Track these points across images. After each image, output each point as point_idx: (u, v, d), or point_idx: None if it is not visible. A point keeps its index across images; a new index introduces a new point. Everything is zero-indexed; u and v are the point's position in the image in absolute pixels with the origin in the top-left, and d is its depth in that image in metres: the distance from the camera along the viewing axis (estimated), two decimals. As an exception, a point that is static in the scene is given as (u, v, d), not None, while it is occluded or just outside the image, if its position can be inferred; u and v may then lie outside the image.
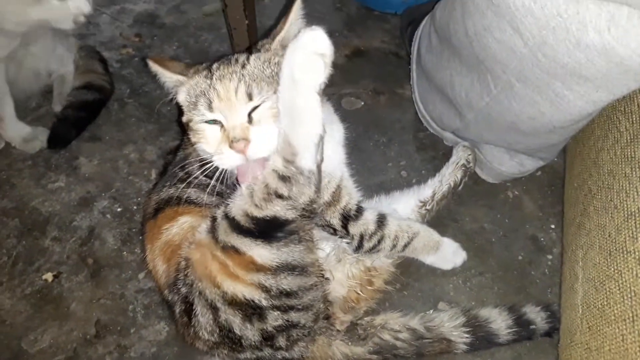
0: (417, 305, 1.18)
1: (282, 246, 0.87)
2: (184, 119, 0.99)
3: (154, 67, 0.99)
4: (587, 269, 0.92)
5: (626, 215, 0.84)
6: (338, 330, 1.04)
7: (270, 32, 0.98)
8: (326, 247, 1.06)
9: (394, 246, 1.10)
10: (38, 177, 1.49)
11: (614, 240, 0.85)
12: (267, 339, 0.91)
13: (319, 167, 0.89)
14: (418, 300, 1.19)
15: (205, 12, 2.06)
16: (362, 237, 1.05)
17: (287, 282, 0.88)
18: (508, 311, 1.09)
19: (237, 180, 0.93)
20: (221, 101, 0.91)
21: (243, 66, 0.93)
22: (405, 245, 1.11)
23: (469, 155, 1.35)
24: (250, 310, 0.88)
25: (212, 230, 0.89)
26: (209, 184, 0.95)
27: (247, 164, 0.90)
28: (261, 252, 0.86)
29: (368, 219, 1.06)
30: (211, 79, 0.93)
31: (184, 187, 0.99)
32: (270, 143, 0.89)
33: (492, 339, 1.06)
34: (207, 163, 0.95)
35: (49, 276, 1.26)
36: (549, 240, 1.29)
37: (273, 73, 0.92)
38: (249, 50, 0.98)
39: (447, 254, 1.21)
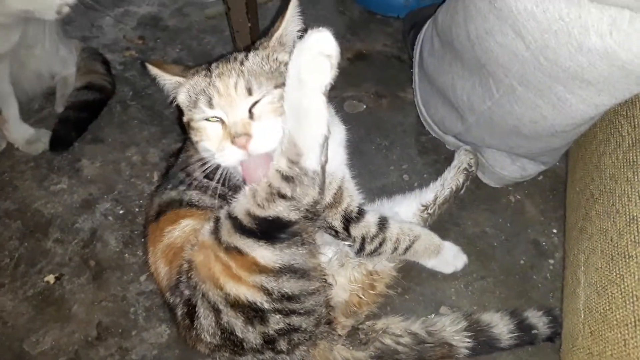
0: (419, 310, 1.18)
1: (284, 247, 0.87)
2: (185, 119, 0.99)
3: (153, 70, 1.00)
4: (589, 273, 0.92)
5: (628, 220, 0.83)
6: (339, 335, 1.04)
7: (268, 31, 0.98)
8: (329, 252, 1.06)
9: (395, 249, 1.09)
10: (40, 178, 1.49)
11: (616, 245, 0.85)
12: (269, 342, 0.91)
13: (323, 168, 0.88)
14: (419, 305, 1.19)
15: (207, 15, 2.06)
16: (363, 239, 1.05)
17: (289, 285, 0.88)
18: (510, 316, 1.09)
19: (243, 180, 0.92)
20: (221, 97, 0.91)
21: (242, 63, 0.93)
22: (407, 249, 1.11)
23: (471, 159, 1.35)
24: (252, 313, 0.88)
25: (216, 232, 0.89)
26: (211, 186, 0.95)
27: (250, 161, 0.90)
28: (264, 253, 0.86)
29: (370, 221, 1.06)
30: (210, 77, 0.93)
31: (186, 190, 1.00)
32: (271, 138, 0.89)
33: (494, 344, 1.06)
34: (209, 164, 0.95)
35: (50, 278, 1.26)
36: (550, 244, 1.29)
37: (272, 69, 0.93)
38: (247, 49, 0.98)
39: (448, 258, 1.21)
